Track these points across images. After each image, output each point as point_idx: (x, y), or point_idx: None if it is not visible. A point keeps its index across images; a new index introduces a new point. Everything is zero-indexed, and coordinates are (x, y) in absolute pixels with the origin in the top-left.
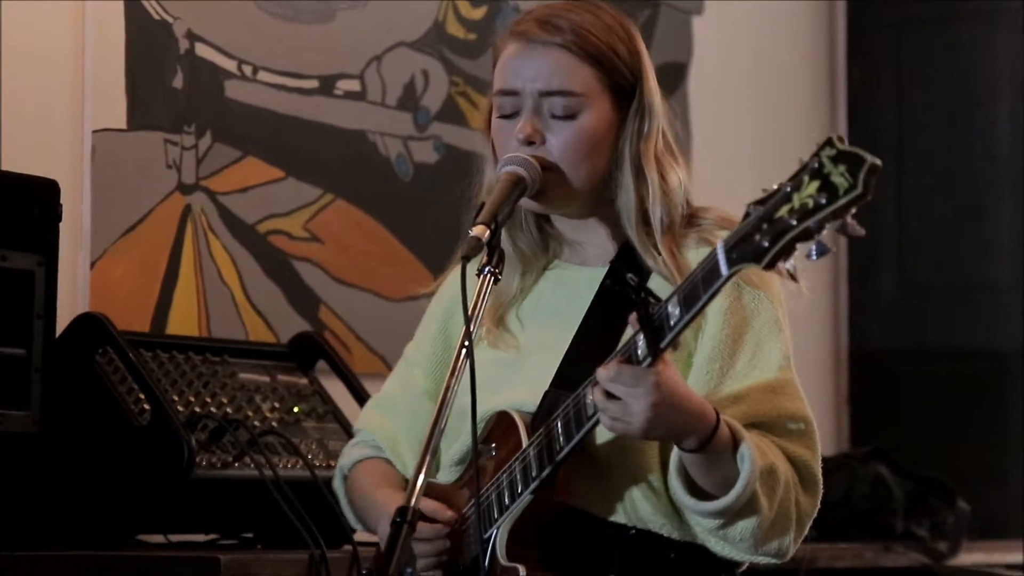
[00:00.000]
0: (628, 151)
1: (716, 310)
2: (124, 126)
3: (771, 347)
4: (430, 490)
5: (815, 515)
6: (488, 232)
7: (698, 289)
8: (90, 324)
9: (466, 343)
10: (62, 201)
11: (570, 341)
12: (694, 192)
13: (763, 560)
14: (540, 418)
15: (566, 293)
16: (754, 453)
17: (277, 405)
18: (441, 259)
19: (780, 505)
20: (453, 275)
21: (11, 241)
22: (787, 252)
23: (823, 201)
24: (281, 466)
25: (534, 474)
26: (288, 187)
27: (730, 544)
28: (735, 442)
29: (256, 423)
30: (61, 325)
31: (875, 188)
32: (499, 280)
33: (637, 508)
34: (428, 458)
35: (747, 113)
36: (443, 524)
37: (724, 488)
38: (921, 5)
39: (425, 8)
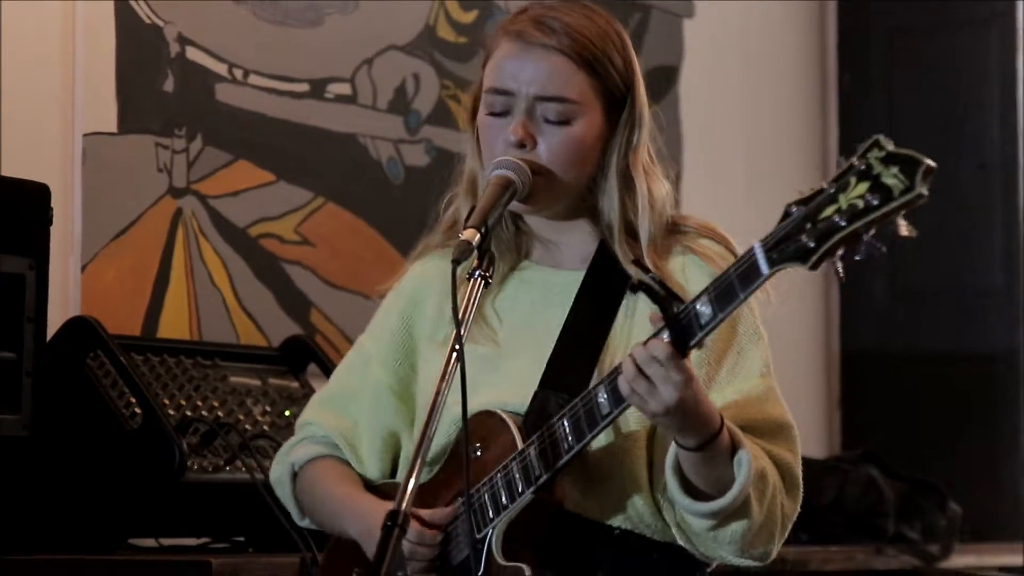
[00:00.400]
0: (616, 160)
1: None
2: (115, 130)
3: (753, 354)
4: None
5: (795, 518)
6: (478, 236)
7: (734, 288)
8: (81, 328)
9: (456, 347)
10: (53, 205)
11: (554, 344)
12: (683, 196)
13: (747, 563)
14: (534, 419)
15: (541, 295)
16: (751, 459)
17: (268, 408)
18: None
19: (768, 509)
20: (418, 271)
21: (2, 245)
22: (832, 253)
23: (875, 202)
24: None
25: (537, 474)
26: (279, 190)
27: (718, 545)
28: (733, 446)
29: (247, 426)
30: (52, 329)
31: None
32: (489, 283)
33: (625, 510)
34: (421, 460)
35: (738, 116)
36: (438, 529)
37: (717, 488)
38: (912, 10)
39: (416, 11)
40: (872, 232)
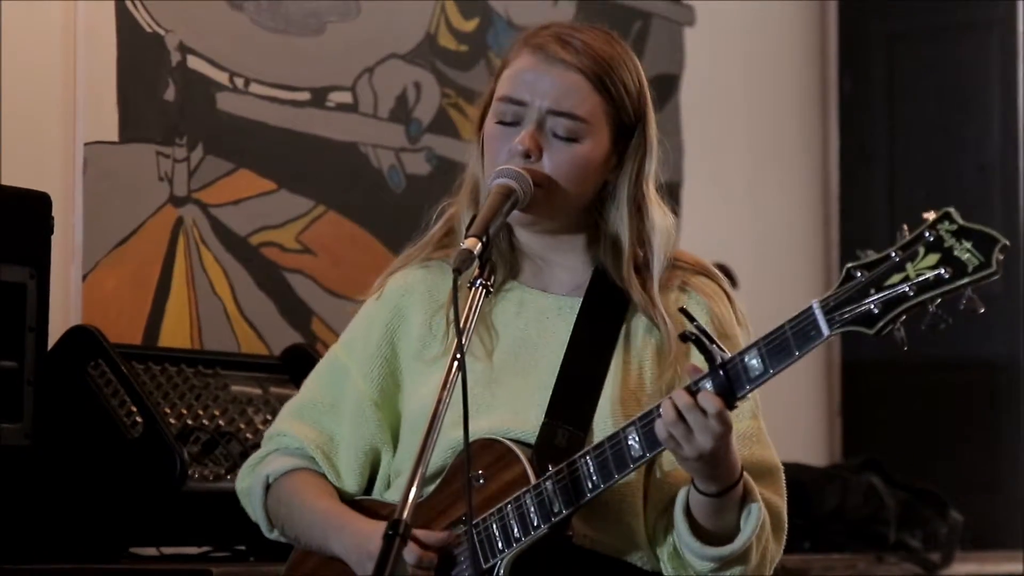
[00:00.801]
0: (628, 188)
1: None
2: (116, 138)
3: None
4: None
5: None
6: (480, 245)
7: (789, 346)
8: (82, 337)
9: (458, 356)
10: (54, 214)
11: (556, 373)
12: (684, 204)
13: None
14: (543, 452)
15: (534, 318)
16: (760, 513)
17: (269, 417)
18: None
19: (760, 554)
20: (400, 283)
21: (3, 254)
22: (897, 320)
23: (946, 275)
24: None
25: (556, 510)
26: (280, 199)
27: None
28: (744, 497)
29: (248, 435)
30: (53, 338)
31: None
32: (490, 293)
33: (624, 542)
34: (422, 471)
35: (739, 123)
36: (435, 553)
37: (723, 531)
38: (912, 15)
39: (417, 20)
40: (938, 303)
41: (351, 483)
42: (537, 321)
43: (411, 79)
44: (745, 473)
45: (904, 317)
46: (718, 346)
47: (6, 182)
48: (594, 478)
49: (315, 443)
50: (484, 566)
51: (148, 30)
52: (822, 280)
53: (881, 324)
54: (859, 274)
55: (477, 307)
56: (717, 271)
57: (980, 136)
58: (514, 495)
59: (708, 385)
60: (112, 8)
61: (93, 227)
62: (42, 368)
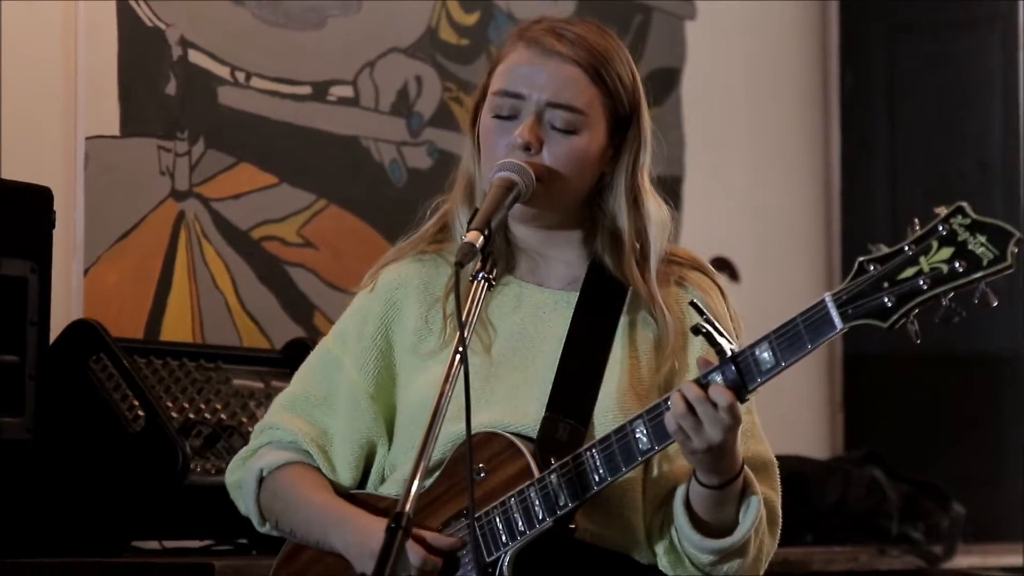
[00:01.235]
0: (625, 179)
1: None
2: (117, 133)
3: None
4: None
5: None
6: (482, 238)
7: (801, 338)
8: (84, 331)
9: (460, 349)
10: (55, 208)
11: (555, 367)
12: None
13: None
14: (545, 445)
15: (531, 313)
16: (760, 505)
17: None
18: None
19: (757, 547)
20: (394, 276)
21: (4, 248)
22: (911, 314)
23: (961, 269)
24: None
25: (562, 503)
26: (281, 193)
27: None
28: (744, 490)
29: (250, 429)
30: (55, 332)
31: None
32: (493, 286)
33: (625, 537)
34: (424, 463)
35: (740, 118)
36: (440, 557)
37: (722, 523)
38: (913, 11)
39: (418, 14)
40: (951, 296)
41: (346, 477)
42: (534, 316)
43: (412, 73)
44: (746, 472)
45: (918, 311)
46: (727, 339)
47: (7, 176)
48: (601, 471)
49: (309, 436)
50: (487, 559)
51: (149, 24)
52: (823, 275)
53: (895, 317)
54: (872, 267)
55: (480, 301)
56: (711, 267)
57: (981, 133)
58: (517, 488)
59: (718, 378)
60: (113, 2)
61: (94, 221)
62: (44, 362)
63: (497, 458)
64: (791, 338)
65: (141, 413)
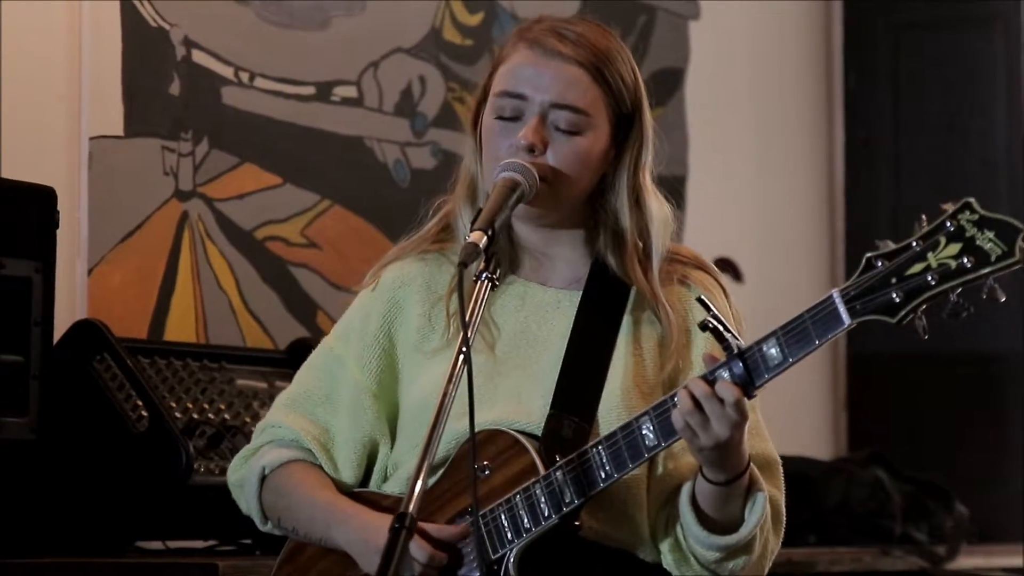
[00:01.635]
0: (627, 178)
1: (710, 340)
2: (121, 133)
3: None
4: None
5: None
6: (485, 239)
7: (809, 335)
8: (88, 331)
9: (463, 348)
10: (59, 208)
11: (559, 365)
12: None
13: None
14: (550, 442)
15: (534, 312)
16: (765, 502)
17: None
18: None
19: (762, 545)
20: (397, 275)
21: (9, 248)
22: (919, 309)
23: (969, 265)
24: None
25: (568, 500)
26: (285, 193)
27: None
28: (750, 487)
29: (254, 429)
30: (59, 332)
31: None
32: (496, 286)
33: (629, 535)
34: (428, 462)
35: (744, 117)
36: (446, 553)
37: (728, 520)
38: (917, 10)
39: (422, 14)
40: (959, 291)
41: (348, 475)
42: (537, 314)
43: (416, 73)
44: (752, 469)
45: (925, 306)
46: (734, 335)
47: (11, 176)
48: (607, 468)
49: (311, 435)
50: (493, 556)
51: (153, 24)
52: (827, 273)
53: (903, 313)
54: (879, 263)
55: (483, 300)
56: (713, 266)
57: (985, 131)
58: (523, 485)
59: (725, 374)
60: (117, 2)
61: (98, 221)
62: (48, 362)
63: (502, 455)
64: (798, 334)
65: (145, 413)
